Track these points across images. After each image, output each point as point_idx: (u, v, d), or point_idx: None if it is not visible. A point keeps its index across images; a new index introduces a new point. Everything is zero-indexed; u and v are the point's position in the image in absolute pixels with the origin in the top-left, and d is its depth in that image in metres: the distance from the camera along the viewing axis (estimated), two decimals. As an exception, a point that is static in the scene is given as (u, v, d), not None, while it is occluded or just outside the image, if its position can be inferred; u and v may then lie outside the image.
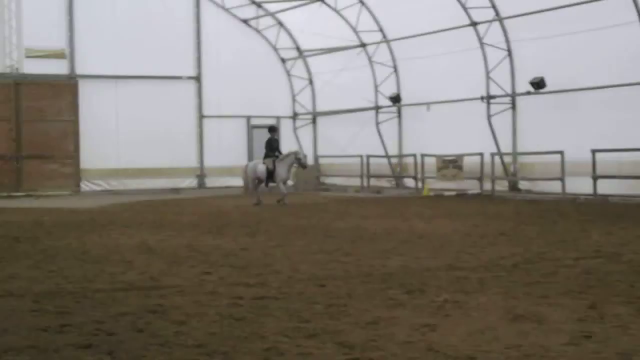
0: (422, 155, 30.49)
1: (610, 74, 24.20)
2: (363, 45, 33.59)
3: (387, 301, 8.68)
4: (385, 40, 32.66)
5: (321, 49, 35.42)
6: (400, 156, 33.14)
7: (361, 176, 33.45)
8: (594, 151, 24.30)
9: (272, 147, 25.94)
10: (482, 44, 28.41)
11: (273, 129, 26.63)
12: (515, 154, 28.06)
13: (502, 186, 28.34)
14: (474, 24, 28.32)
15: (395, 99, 32.68)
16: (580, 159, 24.56)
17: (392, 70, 33.03)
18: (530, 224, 17.30)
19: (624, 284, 9.53)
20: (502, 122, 28.20)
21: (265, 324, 7.60)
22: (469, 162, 28.62)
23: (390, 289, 9.39)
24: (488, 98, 28.38)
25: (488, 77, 28.45)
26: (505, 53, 28.00)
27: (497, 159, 27.99)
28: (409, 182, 32.53)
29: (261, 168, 25.70)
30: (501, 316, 7.78)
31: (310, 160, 37.11)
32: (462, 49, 28.95)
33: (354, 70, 34.08)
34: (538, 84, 26.25)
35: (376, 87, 33.70)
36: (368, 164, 33.45)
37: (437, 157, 29.73)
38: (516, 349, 6.50)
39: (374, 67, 33.64)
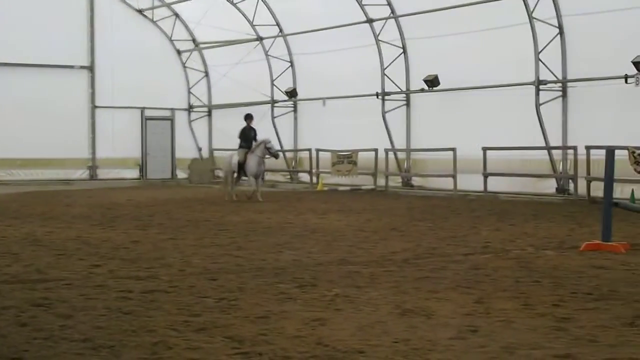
0: (317, 150, 30.60)
1: (501, 74, 24.69)
2: (260, 39, 33.50)
3: (279, 295, 8.66)
4: (282, 34, 32.66)
5: (217, 42, 35.21)
6: (296, 150, 33.20)
7: (256, 170, 33.28)
8: (484, 149, 24.78)
9: (246, 138, 24.22)
10: (377, 41, 28.67)
11: (249, 117, 24.67)
12: (408, 151, 28.42)
13: (395, 182, 28.67)
14: (370, 21, 28.55)
15: (292, 94, 32.72)
16: (471, 157, 25.02)
17: (288, 64, 33.06)
18: (422, 220, 17.53)
19: (510, 279, 9.72)
20: (397, 118, 28.58)
21: (154, 318, 7.50)
22: (364, 158, 28.85)
23: (281, 283, 9.39)
24: (383, 94, 28.68)
25: (383, 74, 28.72)
26: (400, 50, 28.32)
27: (391, 154, 28.30)
28: (304, 177, 32.61)
29: (235, 160, 24.33)
30: (391, 310, 7.85)
31: (205, 154, 36.92)
32: (358, 46, 29.17)
33: (250, 64, 33.94)
34: (432, 82, 26.63)
35: (272, 81, 33.66)
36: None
37: (332, 152, 29.88)
38: (405, 343, 6.56)
39: (271, 62, 33.60)
